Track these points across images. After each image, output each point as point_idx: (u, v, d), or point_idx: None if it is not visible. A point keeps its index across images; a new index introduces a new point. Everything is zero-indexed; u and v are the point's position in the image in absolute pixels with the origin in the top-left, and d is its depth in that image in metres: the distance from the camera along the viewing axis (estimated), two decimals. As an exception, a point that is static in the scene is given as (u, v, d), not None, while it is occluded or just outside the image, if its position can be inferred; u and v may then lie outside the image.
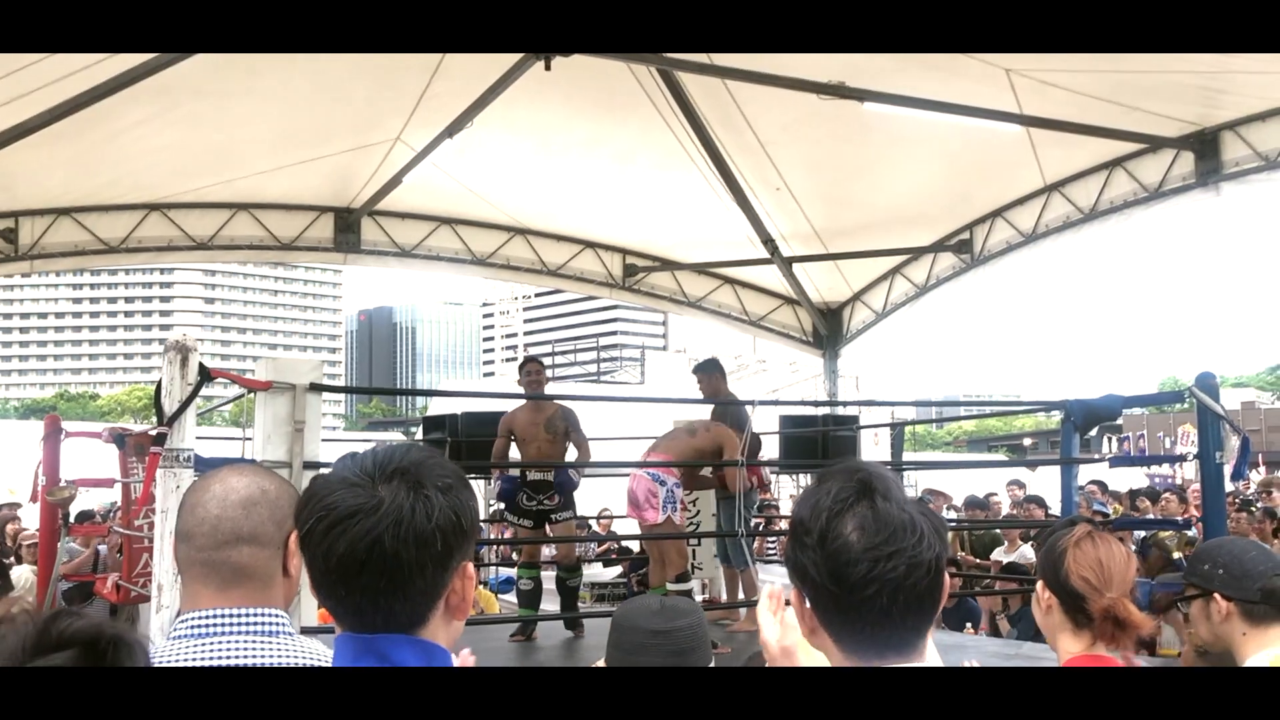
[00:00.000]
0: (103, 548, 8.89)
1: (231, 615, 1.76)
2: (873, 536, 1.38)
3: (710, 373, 8.47)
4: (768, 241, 11.99)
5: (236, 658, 1.73)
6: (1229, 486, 7.89)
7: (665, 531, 7.28)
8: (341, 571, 1.33)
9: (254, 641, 1.75)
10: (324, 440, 5.55)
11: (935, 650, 1.86)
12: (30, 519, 9.11)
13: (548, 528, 8.01)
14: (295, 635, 1.81)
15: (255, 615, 1.77)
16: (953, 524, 11.06)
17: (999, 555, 9.84)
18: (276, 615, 1.80)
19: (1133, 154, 9.80)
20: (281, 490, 1.87)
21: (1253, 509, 9.79)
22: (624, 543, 12.68)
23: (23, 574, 8.79)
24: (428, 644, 1.37)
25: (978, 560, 10.29)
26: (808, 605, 1.46)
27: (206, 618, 1.75)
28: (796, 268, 12.72)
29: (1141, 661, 5.76)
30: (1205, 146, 9.14)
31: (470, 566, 1.42)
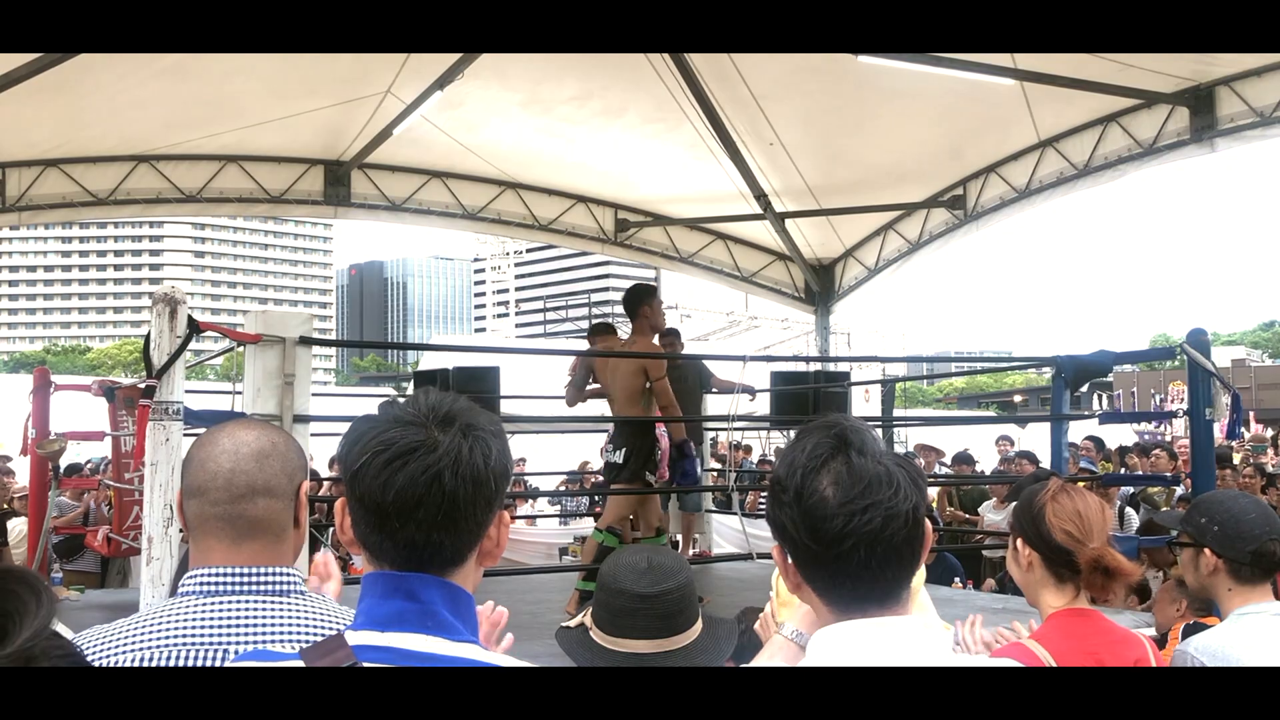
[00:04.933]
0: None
1: (243, 574, 1.74)
2: (848, 491, 1.39)
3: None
4: (760, 197, 11.94)
5: (247, 618, 1.71)
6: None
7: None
8: (399, 505, 1.35)
9: (265, 601, 1.73)
10: (314, 395, 5.54)
11: (929, 602, 1.86)
12: (22, 472, 9.13)
13: None
14: (306, 593, 1.80)
15: (267, 574, 1.76)
16: (944, 479, 11.12)
17: (986, 510, 9.91)
18: (288, 574, 1.78)
19: (1127, 109, 9.76)
20: (289, 443, 1.87)
21: (1234, 466, 9.86)
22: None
23: (16, 526, 8.82)
24: (454, 586, 1.40)
25: (966, 515, 10.36)
26: (790, 561, 1.48)
27: (217, 575, 1.73)
28: (789, 224, 12.69)
29: (1129, 616, 5.81)
30: (1200, 102, 9.10)
31: (506, 515, 1.46)
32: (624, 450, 6.97)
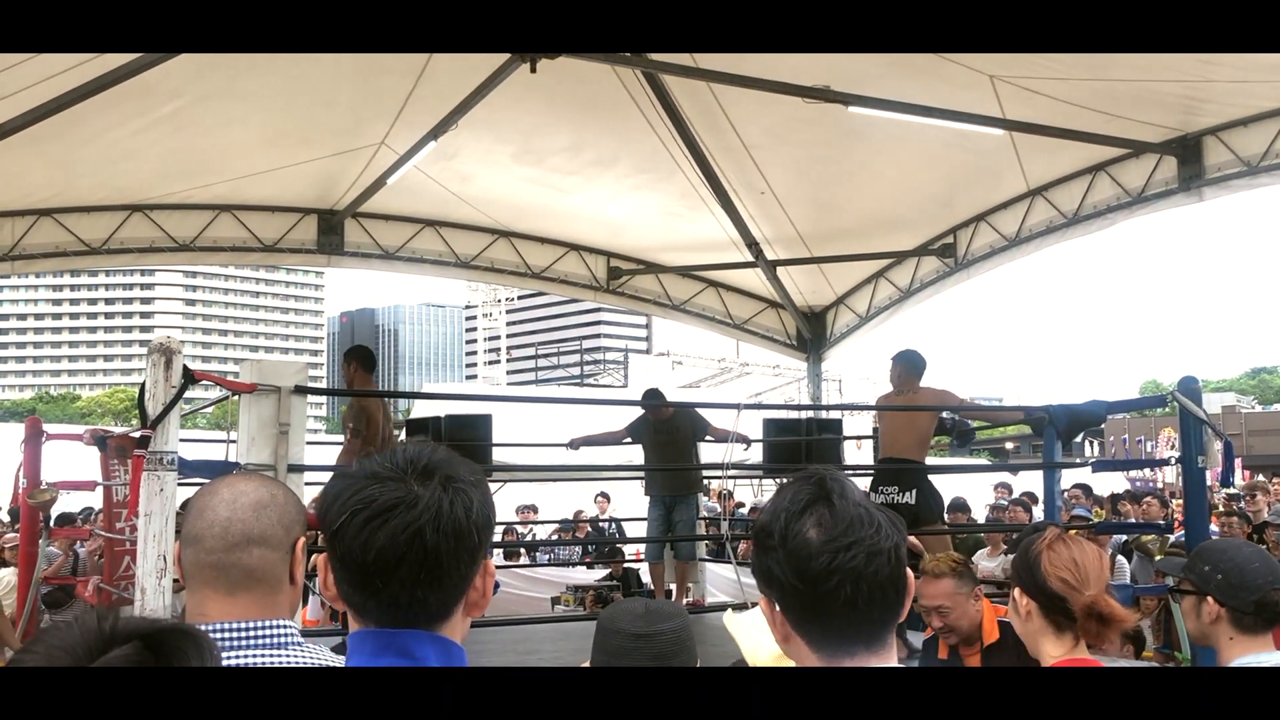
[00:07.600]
0: (81, 550, 8.85)
1: (239, 629, 1.72)
2: (830, 530, 1.43)
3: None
4: (752, 245, 11.99)
5: None
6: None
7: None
8: (380, 564, 1.34)
9: (263, 656, 1.72)
10: (307, 443, 5.53)
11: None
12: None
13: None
14: (304, 645, 1.79)
15: (263, 628, 1.74)
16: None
17: (980, 558, 9.86)
18: (284, 626, 1.77)
19: (1116, 159, 9.83)
20: (288, 496, 1.86)
21: (1220, 513, 9.85)
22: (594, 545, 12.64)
23: (4, 576, 8.74)
24: (445, 640, 1.39)
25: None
26: (778, 610, 1.49)
27: (213, 632, 1.70)
28: (780, 271, 12.73)
29: (1123, 664, 5.79)
30: (1187, 151, 9.17)
31: (491, 564, 1.45)
32: (914, 490, 7.36)
